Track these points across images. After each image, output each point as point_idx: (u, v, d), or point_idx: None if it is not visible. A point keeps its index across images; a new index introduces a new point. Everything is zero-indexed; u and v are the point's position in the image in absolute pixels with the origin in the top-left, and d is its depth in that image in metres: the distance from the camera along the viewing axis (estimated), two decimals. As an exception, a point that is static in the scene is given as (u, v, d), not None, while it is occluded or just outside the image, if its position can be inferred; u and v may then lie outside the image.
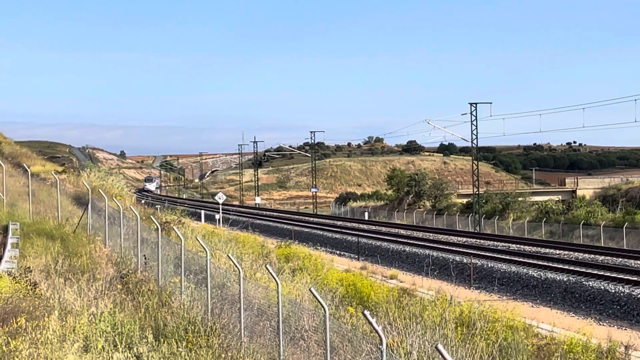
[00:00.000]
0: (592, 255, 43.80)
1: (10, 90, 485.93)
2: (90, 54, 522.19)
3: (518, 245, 51.21)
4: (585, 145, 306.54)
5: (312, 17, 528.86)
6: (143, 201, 78.66)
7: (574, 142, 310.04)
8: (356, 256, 50.77)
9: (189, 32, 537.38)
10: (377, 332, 10.56)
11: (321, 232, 64.86)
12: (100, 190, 32.46)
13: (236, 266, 16.23)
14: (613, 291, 32.08)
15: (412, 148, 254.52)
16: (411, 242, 53.54)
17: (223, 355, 14.15)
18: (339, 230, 66.43)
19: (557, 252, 46.17)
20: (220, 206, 75.48)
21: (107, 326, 14.31)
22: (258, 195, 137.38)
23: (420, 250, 48.03)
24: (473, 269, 39.24)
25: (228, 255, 18.65)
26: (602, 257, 42.69)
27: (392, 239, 56.35)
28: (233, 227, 59.47)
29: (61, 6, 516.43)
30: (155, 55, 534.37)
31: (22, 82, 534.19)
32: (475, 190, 79.17)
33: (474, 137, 78.89)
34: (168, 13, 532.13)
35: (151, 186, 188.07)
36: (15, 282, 17.04)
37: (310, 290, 12.96)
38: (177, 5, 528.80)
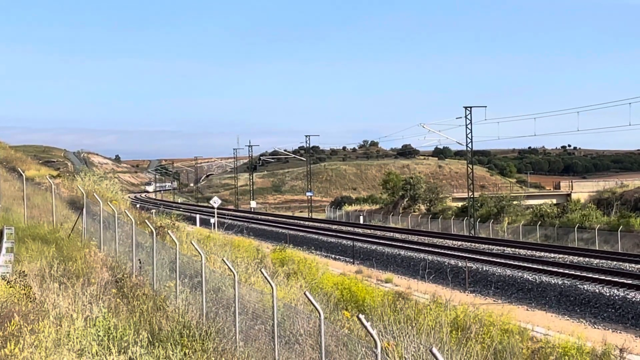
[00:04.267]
0: (587, 259, 43.86)
1: (5, 95, 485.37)
2: (85, 59, 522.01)
3: (513, 249, 51.27)
4: (579, 148, 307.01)
5: (307, 22, 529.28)
6: (138, 205, 78.54)
7: (569, 146, 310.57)
8: (351, 260, 50.76)
9: (183, 38, 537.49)
10: (371, 335, 10.57)
11: (316, 236, 64.84)
12: (95, 194, 32.41)
13: (231, 270, 16.23)
14: (608, 294, 32.13)
15: (407, 152, 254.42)
16: (406, 245, 53.55)
17: (218, 359, 14.15)
18: (334, 234, 66.43)
19: (552, 255, 46.22)
20: (216, 210, 75.40)
21: (102, 330, 14.30)
22: (253, 200, 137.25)
23: (416, 254, 48.04)
24: (468, 273, 39.27)
25: (223, 259, 18.65)
26: (597, 261, 42.75)
27: (387, 242, 56.36)
28: (228, 232, 59.35)
29: (57, 11, 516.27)
30: (151, 60, 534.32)
31: (17, 87, 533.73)
32: (470, 193, 79.23)
33: (469, 140, 78.98)
34: (164, 19, 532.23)
35: (150, 188, 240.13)
36: (10, 287, 17.02)
37: (305, 294, 12.96)
38: (173, 11, 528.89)
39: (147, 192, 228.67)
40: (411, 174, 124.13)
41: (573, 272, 37.12)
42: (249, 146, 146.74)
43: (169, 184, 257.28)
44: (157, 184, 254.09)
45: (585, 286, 33.81)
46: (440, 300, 24.33)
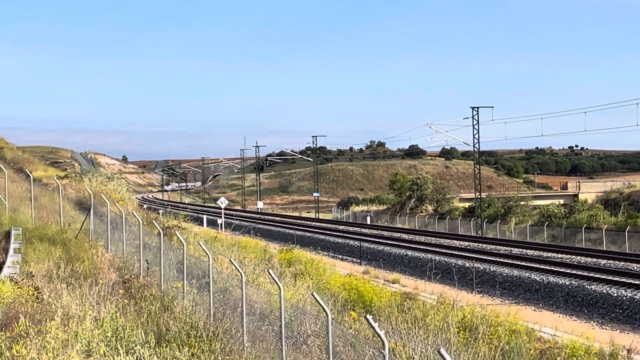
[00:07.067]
0: (595, 259, 43.74)
1: (12, 96, 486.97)
2: (93, 60, 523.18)
3: (520, 249, 51.15)
4: (587, 149, 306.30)
5: (315, 23, 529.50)
6: (145, 206, 78.69)
7: (576, 146, 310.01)
8: (358, 260, 50.73)
9: (191, 38, 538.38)
10: (379, 336, 10.56)
11: (323, 237, 64.79)
12: (102, 195, 32.47)
13: (238, 270, 16.24)
14: (615, 295, 32.04)
15: (414, 152, 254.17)
16: (413, 246, 53.49)
17: (225, 360, 14.14)
18: (341, 234, 66.37)
19: (560, 256, 46.10)
20: (223, 211, 75.44)
21: (109, 331, 14.31)
22: (260, 200, 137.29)
23: (423, 255, 47.99)
24: (475, 273, 39.20)
25: (230, 260, 18.67)
26: (605, 261, 42.62)
27: (395, 243, 56.30)
28: (235, 232, 59.47)
29: (65, 12, 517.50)
30: (158, 61, 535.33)
31: (24, 88, 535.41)
32: (477, 194, 79.12)
33: (476, 141, 78.87)
34: (171, 19, 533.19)
35: (168, 188, 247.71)
36: (18, 288, 17.05)
37: (312, 294, 12.96)
38: (180, 12, 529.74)
39: (167, 191, 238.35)
40: (418, 175, 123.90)
41: (580, 273, 37.02)
42: (256, 147, 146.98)
43: (191, 184, 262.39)
44: (176, 184, 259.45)
45: (592, 287, 33.72)
46: (448, 301, 24.30)
